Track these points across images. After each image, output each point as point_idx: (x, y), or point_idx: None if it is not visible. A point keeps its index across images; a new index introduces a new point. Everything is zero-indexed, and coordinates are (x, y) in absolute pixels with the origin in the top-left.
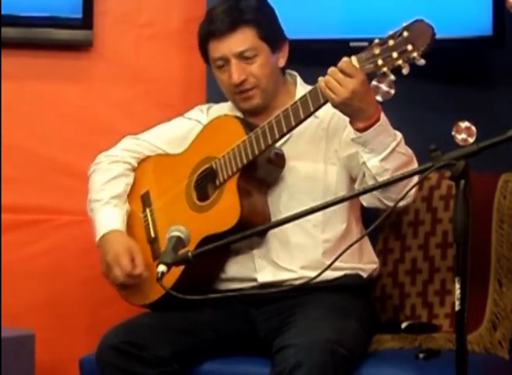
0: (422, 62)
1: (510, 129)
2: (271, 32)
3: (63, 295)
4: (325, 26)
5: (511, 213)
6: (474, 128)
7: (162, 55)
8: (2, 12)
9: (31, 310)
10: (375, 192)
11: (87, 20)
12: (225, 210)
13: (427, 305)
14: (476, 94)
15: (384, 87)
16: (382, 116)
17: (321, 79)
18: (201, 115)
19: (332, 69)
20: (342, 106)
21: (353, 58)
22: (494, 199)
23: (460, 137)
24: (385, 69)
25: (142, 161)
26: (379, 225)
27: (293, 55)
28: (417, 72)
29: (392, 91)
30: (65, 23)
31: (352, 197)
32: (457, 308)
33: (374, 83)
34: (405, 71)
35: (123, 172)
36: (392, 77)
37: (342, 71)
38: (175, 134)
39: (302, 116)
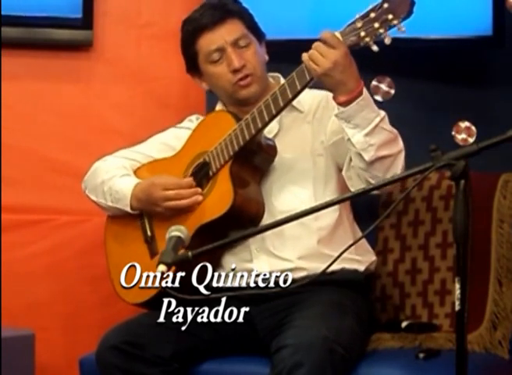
0: (403, 29)
1: (510, 129)
2: (254, 24)
3: (63, 295)
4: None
5: (511, 213)
6: (474, 128)
7: (162, 55)
8: (2, 12)
9: (31, 310)
10: (361, 173)
11: (87, 20)
12: (219, 197)
13: (427, 304)
14: (476, 94)
15: (384, 87)
16: (365, 91)
17: (304, 53)
18: (191, 124)
19: (316, 43)
20: (324, 77)
21: (337, 33)
22: (494, 199)
23: (460, 137)
24: (367, 39)
25: (137, 169)
26: (379, 225)
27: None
28: (417, 72)
29: (392, 91)
30: (65, 23)
31: (350, 198)
32: (457, 308)
33: (374, 83)
34: (387, 41)
35: (125, 167)
36: (375, 48)
37: (325, 42)
38: (167, 143)
39: (290, 96)
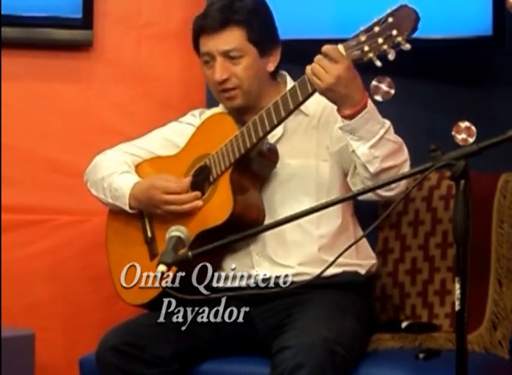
0: (408, 46)
1: (510, 129)
2: (262, 36)
3: (63, 295)
4: (320, 26)
5: (511, 213)
6: (474, 128)
7: (162, 55)
8: (2, 12)
9: (31, 310)
10: (366, 181)
11: (87, 20)
12: (219, 204)
13: (427, 305)
14: (476, 94)
15: (384, 87)
16: (370, 103)
17: (308, 66)
18: (194, 119)
19: (318, 57)
20: (327, 92)
21: (340, 47)
22: (494, 199)
23: (460, 137)
24: (371, 54)
25: (138, 164)
26: (379, 225)
27: (287, 56)
28: (417, 72)
29: (392, 91)
30: (65, 23)
31: (351, 197)
32: (457, 308)
33: (374, 83)
34: (391, 56)
35: (126, 162)
36: (379, 63)
37: (326, 56)
38: (169, 139)
39: (291, 106)
